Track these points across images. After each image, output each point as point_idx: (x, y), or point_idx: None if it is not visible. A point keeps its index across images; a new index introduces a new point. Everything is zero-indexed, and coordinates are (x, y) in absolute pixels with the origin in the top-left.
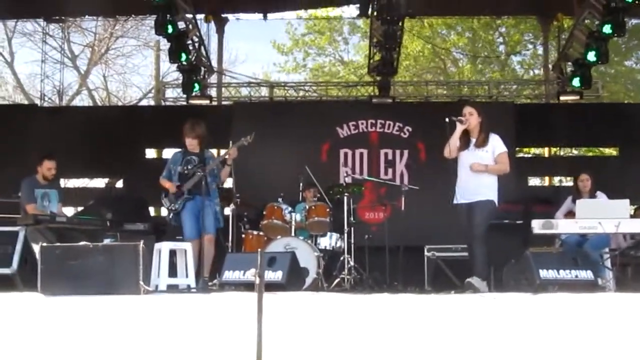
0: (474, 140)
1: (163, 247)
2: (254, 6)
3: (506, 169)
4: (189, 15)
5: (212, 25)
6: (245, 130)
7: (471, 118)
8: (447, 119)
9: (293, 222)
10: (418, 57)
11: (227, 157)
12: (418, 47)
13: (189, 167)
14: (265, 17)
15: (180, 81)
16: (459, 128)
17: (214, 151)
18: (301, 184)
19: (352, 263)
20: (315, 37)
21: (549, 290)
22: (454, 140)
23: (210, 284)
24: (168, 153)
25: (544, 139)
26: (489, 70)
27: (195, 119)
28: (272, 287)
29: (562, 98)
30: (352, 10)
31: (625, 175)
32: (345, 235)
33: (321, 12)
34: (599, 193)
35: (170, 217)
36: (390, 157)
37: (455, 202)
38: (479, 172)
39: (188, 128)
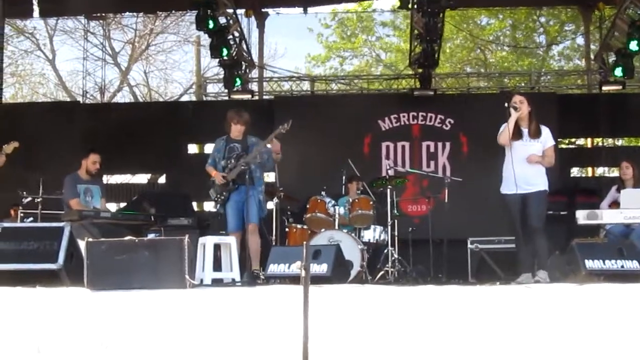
0: (525, 130)
1: (207, 242)
2: (294, 0)
3: (553, 162)
4: (230, 10)
5: (253, 20)
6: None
7: (522, 106)
8: (506, 104)
9: (336, 215)
10: (458, 47)
11: (269, 145)
12: (454, 35)
13: (233, 156)
14: (305, 11)
15: (220, 76)
16: (514, 115)
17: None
18: (344, 177)
19: (396, 256)
20: (348, 41)
21: (595, 280)
22: (511, 127)
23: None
24: (210, 148)
25: (586, 129)
26: (529, 62)
27: (237, 108)
28: (317, 279)
29: (604, 88)
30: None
31: None
32: (389, 228)
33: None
34: None
35: (217, 207)
36: (432, 149)
37: (505, 191)
38: (534, 163)
39: (235, 114)
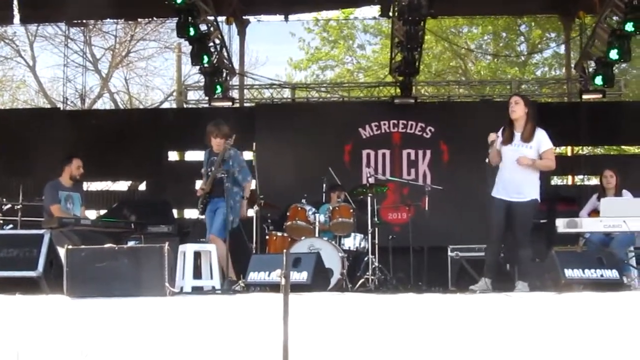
0: (518, 134)
1: (187, 249)
2: (275, 8)
3: (552, 165)
4: (211, 18)
5: (234, 27)
6: (268, 132)
7: (517, 107)
8: (490, 141)
9: (317, 223)
10: (438, 56)
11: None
12: (435, 46)
13: (211, 169)
14: (286, 19)
15: (202, 83)
16: (496, 143)
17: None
18: (325, 185)
19: (376, 263)
20: (332, 48)
21: (575, 289)
22: (492, 155)
23: (237, 285)
24: (190, 155)
25: (566, 138)
26: (510, 70)
27: (218, 119)
28: (297, 287)
29: (584, 97)
30: (365, 12)
31: None
32: (369, 235)
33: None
34: (624, 191)
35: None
36: (412, 157)
37: (494, 194)
38: (524, 166)
39: (214, 128)
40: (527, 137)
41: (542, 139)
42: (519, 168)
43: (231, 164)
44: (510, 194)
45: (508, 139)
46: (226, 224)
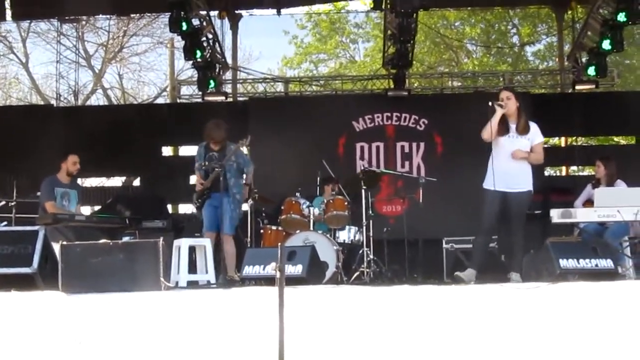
0: (513, 126)
1: (182, 244)
2: (268, 1)
3: (542, 159)
4: (203, 12)
5: (226, 21)
6: (262, 126)
7: (509, 102)
8: (490, 103)
9: (311, 216)
10: (427, 53)
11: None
12: (425, 40)
13: (212, 164)
14: (279, 13)
15: (195, 78)
16: (499, 112)
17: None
18: (319, 178)
19: (371, 256)
20: (324, 42)
21: (570, 279)
22: (495, 123)
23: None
24: (184, 150)
25: (560, 129)
26: (503, 61)
27: (217, 121)
28: (292, 281)
29: (577, 87)
30: (357, 5)
31: None
32: (364, 228)
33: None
34: (618, 181)
35: (196, 212)
36: (406, 149)
37: (488, 186)
38: (520, 159)
39: (214, 130)
40: (523, 130)
41: (535, 131)
42: (513, 158)
43: (234, 159)
44: (509, 185)
45: (504, 130)
46: (234, 219)
